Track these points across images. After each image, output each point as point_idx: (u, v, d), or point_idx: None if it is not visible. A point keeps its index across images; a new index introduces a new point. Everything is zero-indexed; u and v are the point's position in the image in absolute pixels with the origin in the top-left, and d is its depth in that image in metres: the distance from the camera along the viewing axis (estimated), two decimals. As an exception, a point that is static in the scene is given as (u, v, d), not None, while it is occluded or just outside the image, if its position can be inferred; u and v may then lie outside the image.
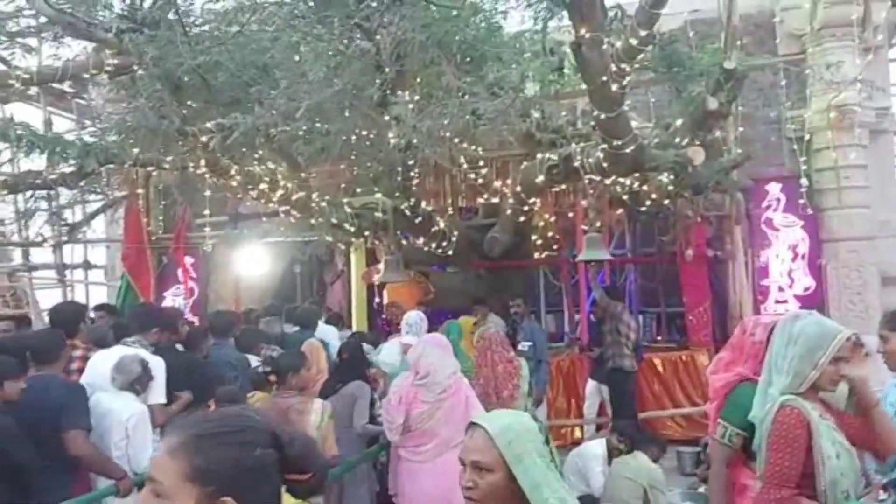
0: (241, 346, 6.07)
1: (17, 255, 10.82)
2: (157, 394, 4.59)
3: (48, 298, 10.88)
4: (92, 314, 6.84)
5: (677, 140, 6.77)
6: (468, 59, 6.06)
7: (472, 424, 2.03)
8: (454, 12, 5.33)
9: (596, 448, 5.78)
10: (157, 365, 4.61)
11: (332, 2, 4.60)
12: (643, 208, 8.07)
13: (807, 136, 8.25)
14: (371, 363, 5.95)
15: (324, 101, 4.45)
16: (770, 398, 2.63)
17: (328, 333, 7.28)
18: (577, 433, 8.47)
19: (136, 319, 5.23)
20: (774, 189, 8.45)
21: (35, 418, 3.83)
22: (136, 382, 4.38)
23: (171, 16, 4.84)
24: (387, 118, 5.09)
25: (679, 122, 6.89)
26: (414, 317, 6.14)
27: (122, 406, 4.27)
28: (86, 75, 5.28)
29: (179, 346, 5.45)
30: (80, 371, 4.67)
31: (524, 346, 7.19)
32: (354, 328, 9.10)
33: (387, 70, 4.80)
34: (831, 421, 2.60)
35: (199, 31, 5.10)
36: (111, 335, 5.19)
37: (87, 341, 5.05)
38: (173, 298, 9.95)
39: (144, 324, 5.05)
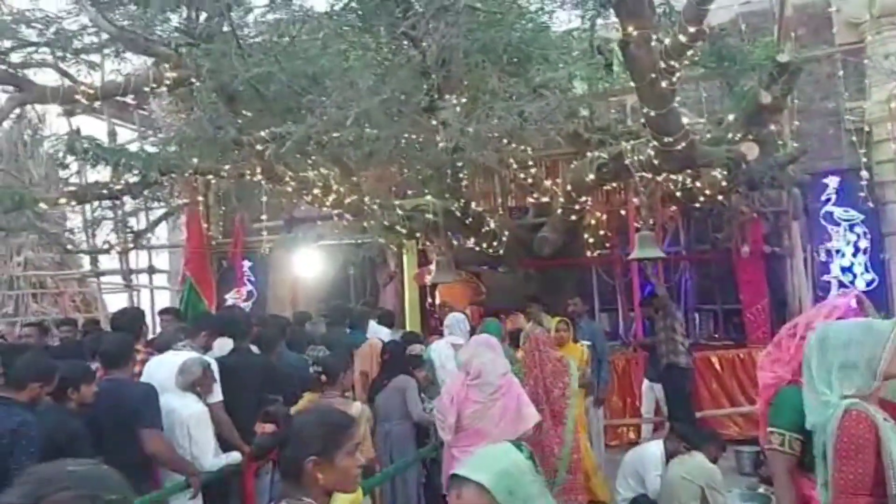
0: (293, 347, 6.20)
1: (85, 262, 11.27)
2: (214, 393, 4.70)
3: (116, 302, 11.30)
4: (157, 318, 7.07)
5: (730, 135, 6.66)
6: (515, 59, 6.09)
7: (458, 478, 1.75)
8: (499, 16, 5.37)
9: (653, 449, 5.74)
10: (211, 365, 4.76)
11: (378, 11, 4.70)
12: (697, 205, 7.97)
13: (866, 128, 8.03)
14: (421, 360, 6.05)
15: (372, 108, 4.55)
16: (831, 404, 2.56)
17: (380, 332, 7.39)
18: (632, 433, 8.41)
19: (184, 327, 5.32)
20: (833, 183, 8.24)
21: (109, 421, 3.99)
22: (198, 383, 4.53)
23: (225, 29, 5.00)
24: (434, 122, 5.16)
25: (731, 117, 6.78)
26: (452, 318, 6.22)
27: (183, 406, 4.41)
28: (146, 89, 5.50)
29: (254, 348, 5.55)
30: (139, 374, 4.81)
31: (584, 345, 7.17)
32: (408, 328, 9.22)
33: (433, 76, 4.87)
34: (893, 423, 2.54)
35: (252, 44, 5.27)
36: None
37: (147, 345, 5.23)
38: (233, 301, 10.22)
39: (193, 328, 5.18)
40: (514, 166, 8.31)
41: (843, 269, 8.25)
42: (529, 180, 8.80)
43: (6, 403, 3.50)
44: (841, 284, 8.26)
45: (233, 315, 6.12)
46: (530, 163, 8.41)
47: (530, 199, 9.32)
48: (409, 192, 8.14)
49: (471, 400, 4.52)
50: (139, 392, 4.24)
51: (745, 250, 8.20)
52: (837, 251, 8.25)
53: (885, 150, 8.02)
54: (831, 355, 2.56)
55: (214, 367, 4.73)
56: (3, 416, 3.40)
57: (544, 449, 4.88)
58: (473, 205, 8.12)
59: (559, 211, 8.26)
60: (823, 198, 8.28)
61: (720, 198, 7.57)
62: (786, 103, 6.84)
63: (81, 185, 6.54)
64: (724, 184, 7.08)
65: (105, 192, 5.99)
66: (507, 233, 8.66)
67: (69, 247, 10.23)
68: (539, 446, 4.81)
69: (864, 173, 7.88)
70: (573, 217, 8.39)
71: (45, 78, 6.02)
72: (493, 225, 8.36)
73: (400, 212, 7.49)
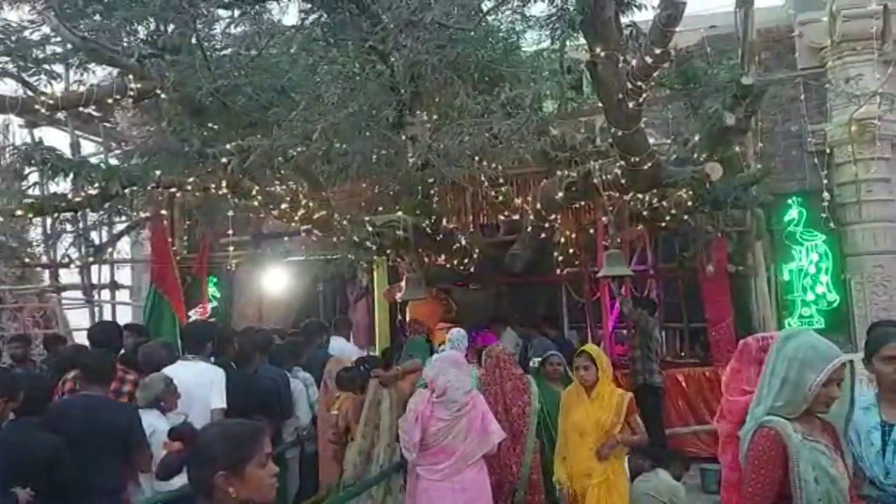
0: (276, 362, 6.23)
1: (46, 277, 11.02)
2: (218, 399, 4.77)
3: (77, 318, 11.07)
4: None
5: (695, 156, 6.75)
6: (486, 78, 6.11)
7: None
8: (472, 33, 5.40)
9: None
10: (217, 374, 4.84)
11: (346, 25, 4.69)
12: (663, 224, 8.05)
13: (828, 151, 8.21)
14: None
15: (339, 122, 4.53)
16: (754, 418, 2.61)
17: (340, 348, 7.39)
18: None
19: (191, 338, 5.33)
20: (796, 204, 8.39)
21: (88, 437, 3.92)
22: (159, 400, 4.47)
23: (192, 41, 4.96)
24: (403, 138, 5.15)
25: (697, 137, 6.88)
26: (454, 333, 6.24)
27: (146, 422, 4.34)
28: (109, 100, 5.43)
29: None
30: (116, 393, 4.79)
31: (535, 362, 7.20)
32: (377, 345, 9.16)
33: (402, 91, 4.86)
34: (822, 444, 2.56)
35: (219, 56, 5.23)
36: (165, 358, 5.22)
37: (123, 363, 5.18)
38: (197, 318, 10.06)
39: (196, 342, 5.19)
40: (485, 184, 8.31)
41: (806, 289, 8.38)
42: (500, 198, 8.81)
43: None
44: (804, 304, 8.39)
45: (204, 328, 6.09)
46: (501, 180, 8.43)
47: (501, 217, 9.34)
48: (380, 208, 8.10)
49: (435, 417, 4.50)
50: (126, 414, 4.23)
51: (710, 269, 8.29)
52: (800, 271, 8.38)
53: (847, 172, 8.20)
54: (780, 365, 2.60)
55: (218, 373, 4.84)
56: None
57: (503, 467, 4.85)
58: (444, 222, 8.11)
59: (529, 229, 8.28)
60: (786, 218, 8.42)
61: (686, 217, 7.65)
62: (750, 125, 6.96)
63: (40, 196, 6.39)
64: (689, 203, 7.17)
65: (64, 204, 5.87)
66: (477, 250, 8.66)
67: (27, 260, 10.00)
68: (497, 464, 4.78)
69: (826, 195, 8.05)
70: (543, 235, 8.43)
71: (4, 87, 5.92)
72: (463, 242, 8.35)
73: (370, 228, 7.45)
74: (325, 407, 5.94)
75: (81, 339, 8.30)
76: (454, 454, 4.47)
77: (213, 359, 5.27)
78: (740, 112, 6.38)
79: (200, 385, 4.76)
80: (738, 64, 6.60)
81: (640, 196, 7.40)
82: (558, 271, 9.93)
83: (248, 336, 6.30)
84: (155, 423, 4.37)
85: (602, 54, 4.75)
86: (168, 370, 4.76)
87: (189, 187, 6.12)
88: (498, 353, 5.35)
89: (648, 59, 4.71)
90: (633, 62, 4.89)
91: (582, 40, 5.16)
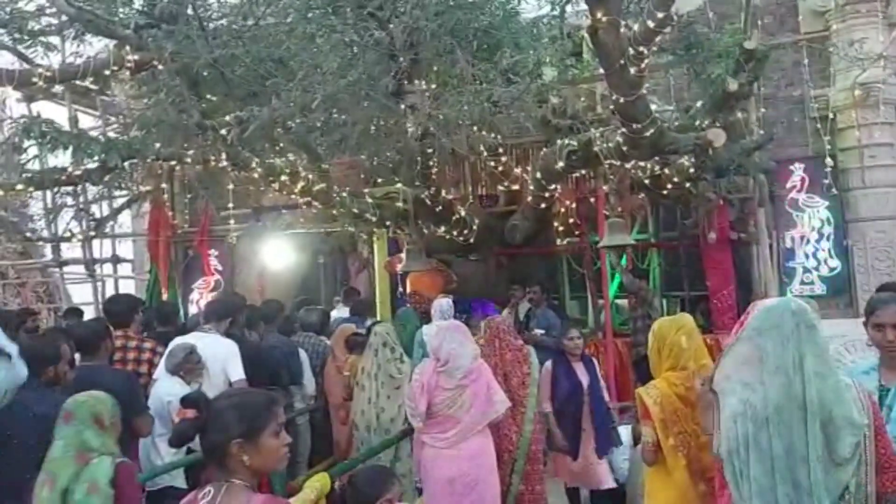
0: (282, 332, 6.47)
1: (48, 251, 11.02)
2: (237, 371, 4.90)
3: (80, 293, 11.08)
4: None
5: (697, 122, 6.70)
6: (485, 45, 6.05)
7: None
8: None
9: (621, 434, 5.78)
10: (231, 347, 4.98)
11: (345, -9, 4.63)
12: (665, 192, 8.01)
13: (831, 116, 8.14)
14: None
15: (339, 91, 4.49)
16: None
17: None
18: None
19: (211, 311, 5.46)
20: (798, 170, 8.35)
21: None
22: (180, 368, 4.62)
23: (188, 11, 4.90)
24: (403, 107, 5.10)
25: (699, 104, 6.82)
26: (439, 304, 6.28)
27: (166, 390, 4.51)
28: (107, 72, 5.38)
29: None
30: (136, 361, 4.94)
31: (537, 332, 7.23)
32: (378, 316, 9.18)
33: (401, 59, 4.80)
34: None
35: (215, 26, 5.17)
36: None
37: (139, 332, 5.29)
38: (199, 291, 10.09)
39: (219, 313, 5.33)
40: (485, 154, 8.26)
41: (808, 256, 8.37)
42: (500, 168, 8.77)
43: (36, 387, 3.56)
44: (805, 271, 8.39)
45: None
46: (500, 150, 8.38)
47: (500, 187, 9.30)
48: (379, 180, 8.06)
49: (441, 387, 4.51)
50: (120, 380, 4.24)
51: (712, 237, 8.27)
52: (802, 238, 8.36)
53: (849, 137, 8.12)
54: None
55: (232, 346, 4.99)
56: (41, 398, 3.47)
57: (501, 437, 4.85)
58: (444, 192, 8.07)
59: (529, 199, 8.25)
60: (789, 185, 8.38)
61: (688, 185, 7.61)
62: (752, 90, 6.90)
63: (40, 170, 6.36)
64: (691, 171, 7.13)
65: (64, 178, 5.84)
66: (477, 221, 8.64)
67: (29, 235, 10.00)
68: (496, 434, 4.79)
69: (829, 160, 7.99)
70: (543, 205, 8.39)
71: (1, 60, 5.86)
72: (463, 213, 8.32)
73: (370, 200, 7.42)
74: (334, 371, 6.07)
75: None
76: (459, 423, 4.50)
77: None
78: (743, 77, 6.32)
79: (212, 357, 4.87)
80: (740, 28, 6.52)
81: (641, 164, 7.36)
82: (558, 242, 9.91)
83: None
84: (172, 391, 4.48)
85: (603, 19, 4.68)
86: (181, 340, 4.89)
87: (189, 160, 6.09)
88: (497, 324, 5.34)
89: (650, 24, 4.65)
90: (635, 27, 4.83)
91: (582, 5, 5.09)
